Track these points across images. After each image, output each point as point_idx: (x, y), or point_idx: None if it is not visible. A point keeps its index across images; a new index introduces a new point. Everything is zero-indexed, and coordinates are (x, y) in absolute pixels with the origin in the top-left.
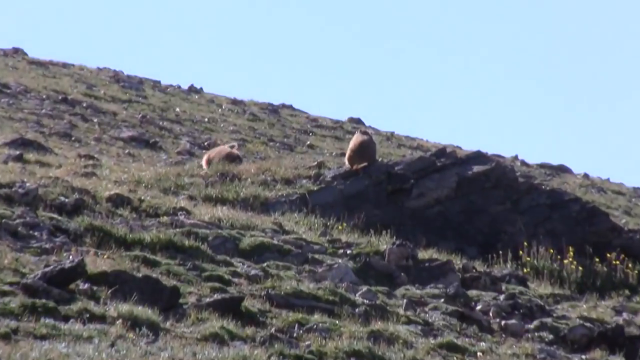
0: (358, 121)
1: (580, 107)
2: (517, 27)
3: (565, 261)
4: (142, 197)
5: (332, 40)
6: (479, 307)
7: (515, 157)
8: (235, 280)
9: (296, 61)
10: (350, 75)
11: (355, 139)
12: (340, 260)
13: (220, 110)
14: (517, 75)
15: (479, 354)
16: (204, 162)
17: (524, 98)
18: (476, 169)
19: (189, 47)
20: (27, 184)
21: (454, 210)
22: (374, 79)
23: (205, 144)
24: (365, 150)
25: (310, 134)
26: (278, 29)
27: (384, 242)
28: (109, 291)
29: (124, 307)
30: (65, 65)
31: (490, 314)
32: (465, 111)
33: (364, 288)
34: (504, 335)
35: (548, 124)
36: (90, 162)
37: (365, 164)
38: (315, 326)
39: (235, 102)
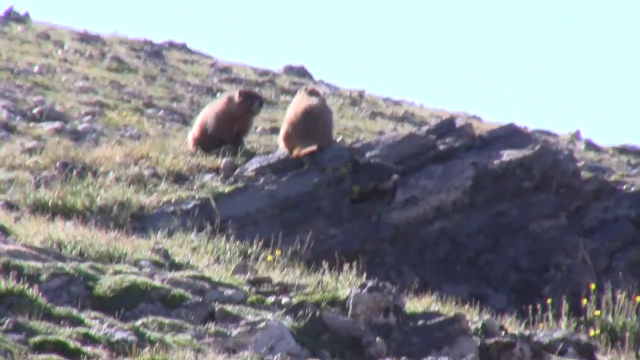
0: (300, 72)
1: None
2: None
3: None
4: None
5: None
6: None
7: (576, 136)
8: (88, 350)
9: None
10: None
11: (298, 103)
12: (270, 316)
13: (60, 51)
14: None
15: None
16: (190, 138)
17: (588, 43)
18: (507, 155)
19: None
20: None
21: (468, 229)
22: (329, 10)
23: (35, 111)
24: (314, 123)
25: (219, 93)
26: None
27: (347, 284)
28: None
29: None
30: None
31: None
32: (488, 58)
33: None
34: None
35: (627, 86)
36: None
37: (314, 147)
38: None
39: (86, 37)
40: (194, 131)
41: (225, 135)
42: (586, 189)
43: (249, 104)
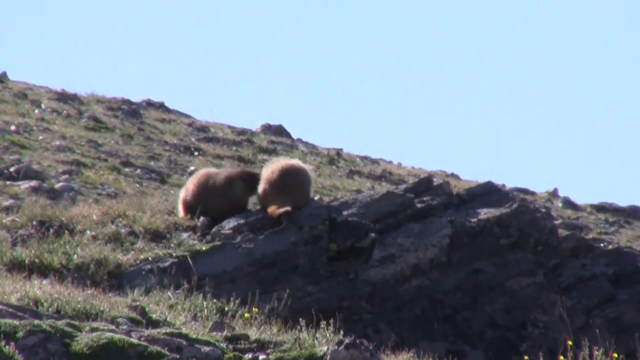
0: (278, 131)
1: None
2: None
3: None
4: None
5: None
6: None
7: (554, 194)
8: None
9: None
10: (264, 61)
11: (275, 163)
12: None
13: (38, 111)
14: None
15: None
16: (180, 204)
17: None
18: (485, 213)
19: None
20: None
21: (445, 286)
22: (306, 69)
23: (12, 169)
24: (291, 181)
25: (197, 152)
26: None
27: (324, 341)
28: None
29: None
30: None
31: None
32: (465, 116)
33: None
34: None
35: (605, 144)
36: None
37: (288, 208)
38: None
39: (64, 96)
40: (186, 198)
41: (227, 213)
42: (564, 247)
43: (254, 187)
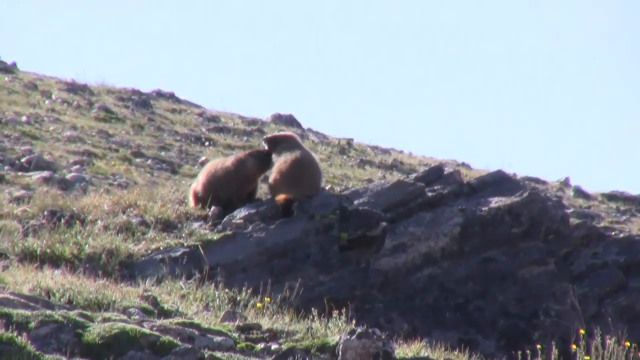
0: (289, 121)
1: None
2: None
3: None
4: None
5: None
6: None
7: (565, 183)
8: None
9: (177, 38)
10: (275, 51)
11: (287, 153)
12: None
13: (48, 101)
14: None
15: None
16: (191, 195)
17: (578, 92)
18: (496, 202)
19: None
20: None
21: (457, 275)
22: (317, 59)
23: (24, 160)
24: (303, 171)
25: (208, 142)
26: None
27: (336, 330)
28: None
29: None
30: None
31: None
32: (476, 106)
33: None
34: None
35: (616, 133)
36: None
37: (301, 195)
38: None
39: (74, 87)
40: (196, 189)
41: (238, 196)
42: (575, 235)
43: (266, 162)
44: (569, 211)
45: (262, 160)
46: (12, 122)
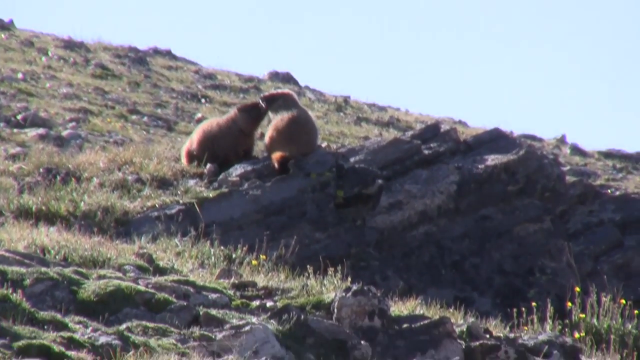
0: (286, 78)
1: None
2: None
3: None
4: None
5: None
6: None
7: (562, 140)
8: (72, 354)
9: None
10: (272, 8)
11: (284, 111)
12: (255, 320)
13: (45, 58)
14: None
15: None
16: (184, 155)
17: (574, 49)
18: (492, 160)
19: None
20: None
21: (453, 233)
22: (314, 17)
23: (19, 117)
24: (299, 129)
25: (204, 100)
26: None
27: (332, 288)
28: None
29: None
30: None
31: None
32: (473, 63)
33: None
34: None
35: (613, 91)
36: None
37: (297, 153)
38: None
39: (71, 44)
40: (191, 148)
41: (234, 153)
42: (571, 193)
43: (256, 112)
44: (565, 169)
45: (250, 113)
46: (8, 79)
